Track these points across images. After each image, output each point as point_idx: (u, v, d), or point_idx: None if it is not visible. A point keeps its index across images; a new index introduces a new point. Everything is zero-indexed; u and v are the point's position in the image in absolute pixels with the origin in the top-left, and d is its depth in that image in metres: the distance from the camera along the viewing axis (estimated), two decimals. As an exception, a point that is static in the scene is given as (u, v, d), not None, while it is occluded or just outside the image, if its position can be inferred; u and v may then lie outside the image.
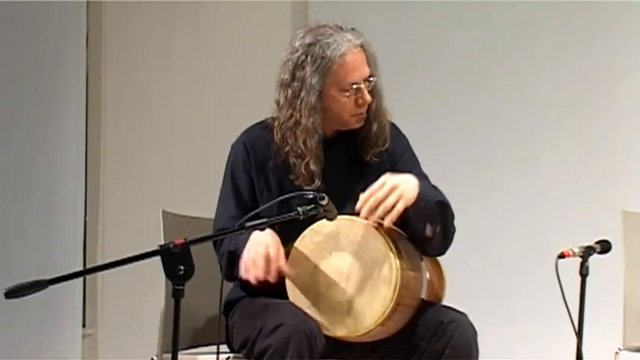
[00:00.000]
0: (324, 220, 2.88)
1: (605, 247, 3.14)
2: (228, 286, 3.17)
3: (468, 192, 4.61)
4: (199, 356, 3.32)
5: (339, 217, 2.86)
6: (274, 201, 2.94)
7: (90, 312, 5.36)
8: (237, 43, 5.31)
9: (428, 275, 3.12)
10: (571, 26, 4.78)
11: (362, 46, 3.06)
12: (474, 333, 2.96)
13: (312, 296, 2.93)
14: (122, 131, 5.42)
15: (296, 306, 2.93)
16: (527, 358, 4.61)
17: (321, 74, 3.01)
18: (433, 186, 3.07)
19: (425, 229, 2.99)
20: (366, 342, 2.95)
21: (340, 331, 2.91)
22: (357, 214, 2.93)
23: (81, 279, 5.05)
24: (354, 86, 3.04)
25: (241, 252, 2.97)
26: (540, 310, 4.43)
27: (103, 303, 5.39)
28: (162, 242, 2.64)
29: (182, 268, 2.45)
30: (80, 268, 5.06)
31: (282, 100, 3.09)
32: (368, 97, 3.07)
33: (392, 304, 2.85)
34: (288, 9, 5.22)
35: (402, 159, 3.18)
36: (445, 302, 3.18)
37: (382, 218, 2.90)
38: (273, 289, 2.99)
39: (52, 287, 2.43)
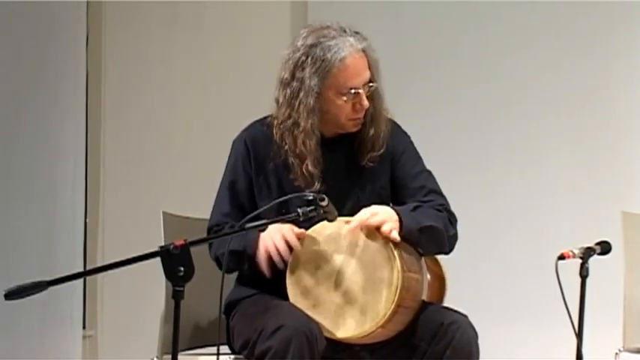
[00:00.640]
0: (325, 222, 2.89)
1: (605, 248, 3.14)
2: (229, 287, 3.17)
3: (468, 194, 4.61)
4: (199, 357, 3.32)
5: (339, 218, 2.87)
6: (274, 202, 2.95)
7: (90, 313, 5.35)
8: (237, 43, 5.31)
9: (429, 277, 3.12)
10: (572, 29, 4.78)
11: (364, 51, 3.05)
12: (474, 334, 2.96)
13: (312, 298, 2.93)
14: (122, 132, 5.41)
15: (297, 307, 2.93)
16: (528, 359, 4.61)
17: (320, 77, 3.01)
18: (418, 207, 3.05)
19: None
20: (367, 343, 2.95)
21: (341, 333, 2.91)
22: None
23: (81, 280, 5.04)
24: (353, 91, 3.03)
25: (250, 251, 2.99)
26: (540, 311, 4.43)
27: (103, 304, 5.39)
28: (163, 243, 2.64)
29: (182, 269, 2.45)
30: (80, 269, 5.07)
31: (281, 99, 3.08)
32: (366, 103, 3.06)
33: (393, 306, 2.85)
34: (288, 9, 5.22)
35: (403, 157, 3.18)
36: (446, 303, 3.19)
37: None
38: (274, 288, 3.01)
39: (52, 288, 2.43)
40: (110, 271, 2.56)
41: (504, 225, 4.78)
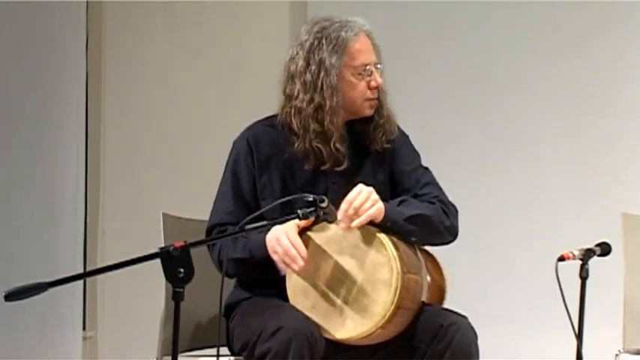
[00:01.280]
0: (325, 223, 2.89)
1: (605, 249, 3.14)
2: (229, 288, 3.17)
3: (467, 194, 4.59)
4: (199, 359, 3.32)
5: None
6: (275, 203, 2.95)
7: (90, 314, 5.35)
8: (236, 43, 5.31)
9: (429, 278, 3.12)
10: (572, 26, 4.78)
11: (369, 35, 3.13)
12: (474, 336, 2.96)
13: (312, 299, 2.93)
14: (122, 132, 5.41)
15: (296, 309, 2.93)
16: (528, 360, 4.61)
17: (339, 53, 3.05)
18: (403, 200, 3.07)
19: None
20: (367, 345, 2.95)
21: (341, 334, 2.91)
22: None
23: (81, 281, 5.04)
24: (367, 67, 3.08)
25: (260, 255, 2.99)
26: (540, 312, 4.43)
27: (103, 305, 5.38)
28: (163, 245, 2.64)
29: (182, 270, 2.45)
30: (80, 270, 5.06)
31: (298, 88, 3.07)
32: (379, 79, 3.10)
33: (392, 308, 2.85)
34: (287, 9, 5.22)
35: (401, 153, 3.20)
36: (445, 305, 3.19)
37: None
38: (274, 290, 3.01)
39: (52, 290, 2.42)
40: (110, 273, 2.56)
41: (504, 226, 4.78)
